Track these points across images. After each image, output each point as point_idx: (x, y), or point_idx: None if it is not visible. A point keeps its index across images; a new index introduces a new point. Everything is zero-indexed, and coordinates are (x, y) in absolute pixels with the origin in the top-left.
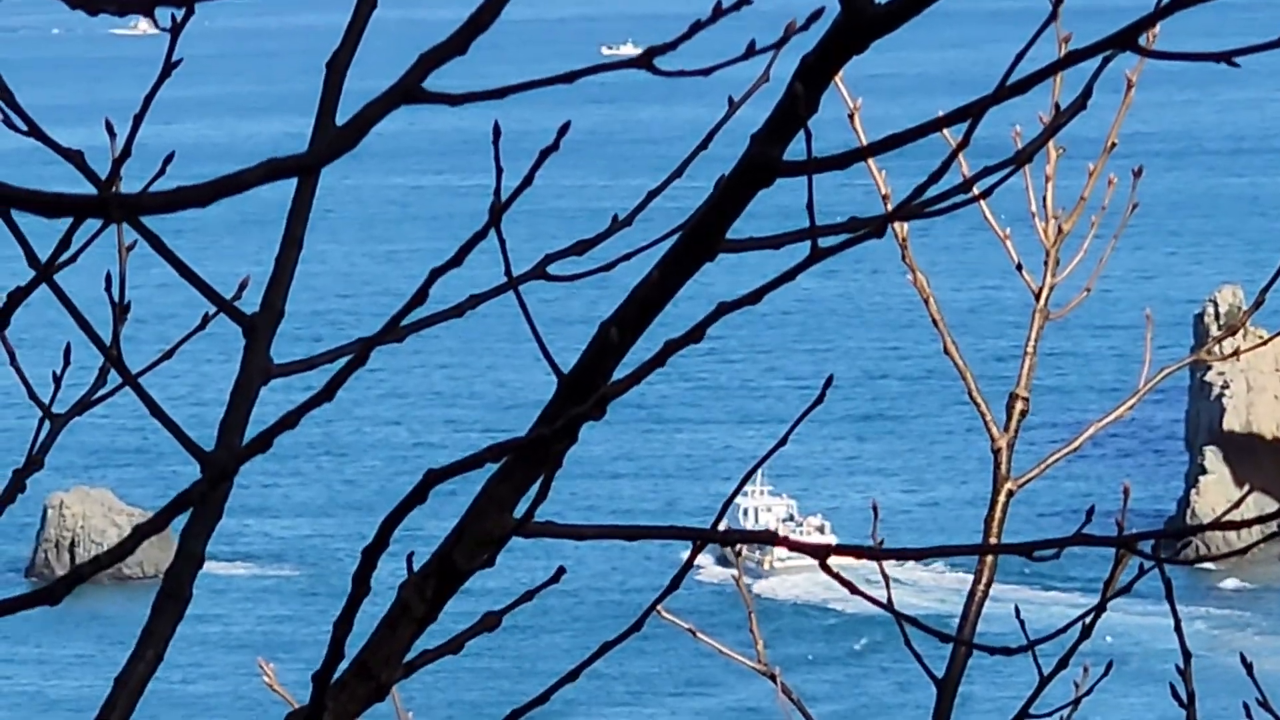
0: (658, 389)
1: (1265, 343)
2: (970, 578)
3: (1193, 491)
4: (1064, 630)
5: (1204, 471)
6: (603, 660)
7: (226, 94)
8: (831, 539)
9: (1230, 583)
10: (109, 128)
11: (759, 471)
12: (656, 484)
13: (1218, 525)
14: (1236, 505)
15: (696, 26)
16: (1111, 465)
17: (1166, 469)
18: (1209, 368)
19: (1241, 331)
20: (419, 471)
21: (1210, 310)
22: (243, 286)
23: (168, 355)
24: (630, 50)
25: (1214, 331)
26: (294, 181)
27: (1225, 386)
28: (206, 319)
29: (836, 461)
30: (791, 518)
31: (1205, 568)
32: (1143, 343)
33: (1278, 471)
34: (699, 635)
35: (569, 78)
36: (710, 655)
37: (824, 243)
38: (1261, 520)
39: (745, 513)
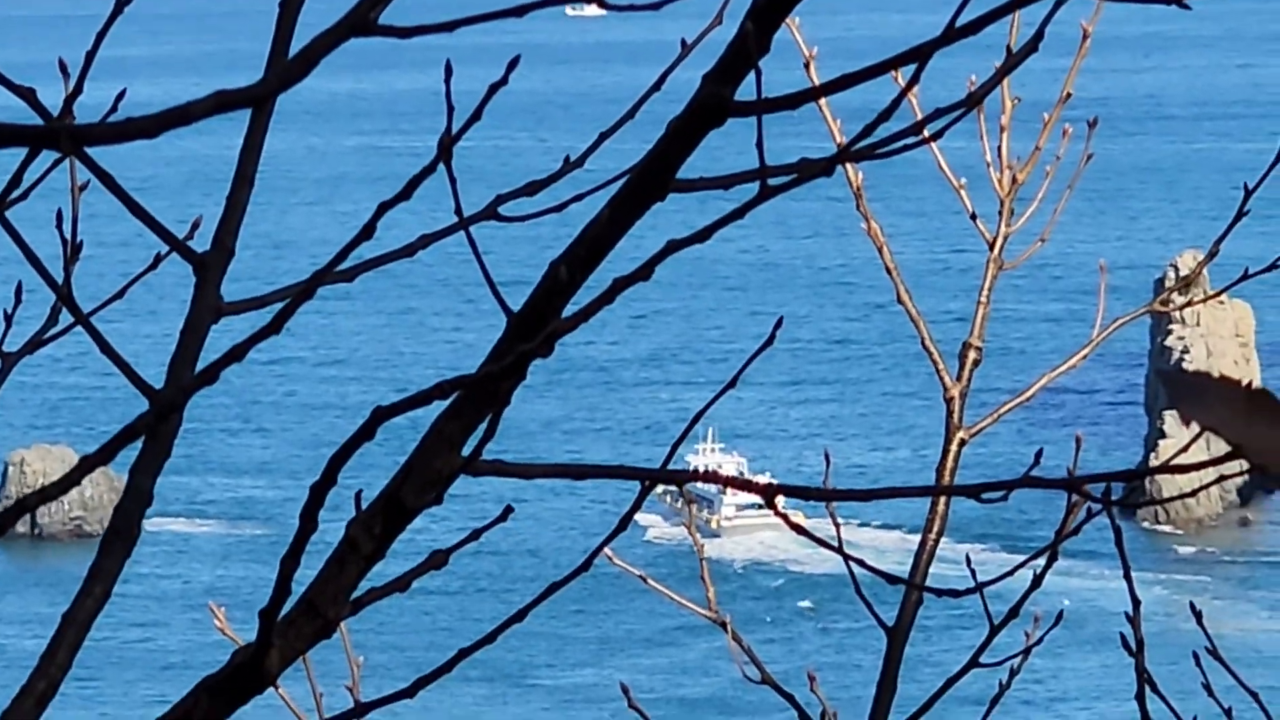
0: (615, 352)
1: (1218, 294)
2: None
3: (1152, 455)
4: (1012, 573)
5: (1163, 435)
6: (561, 621)
7: (189, 53)
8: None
9: (1189, 549)
10: (62, 67)
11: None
12: (614, 445)
13: (1166, 469)
14: (1186, 448)
15: None
16: (1072, 431)
17: (1127, 434)
18: (1169, 332)
19: (1201, 293)
20: (387, 430)
21: (1171, 275)
22: (195, 226)
23: (119, 295)
24: (594, 10)
25: (1174, 295)
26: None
27: (1185, 351)
28: (159, 258)
29: (792, 423)
30: (742, 474)
31: (1164, 532)
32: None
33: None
34: (649, 582)
35: (519, 11)
36: (665, 614)
37: (774, 184)
38: (1213, 463)
39: (693, 469)
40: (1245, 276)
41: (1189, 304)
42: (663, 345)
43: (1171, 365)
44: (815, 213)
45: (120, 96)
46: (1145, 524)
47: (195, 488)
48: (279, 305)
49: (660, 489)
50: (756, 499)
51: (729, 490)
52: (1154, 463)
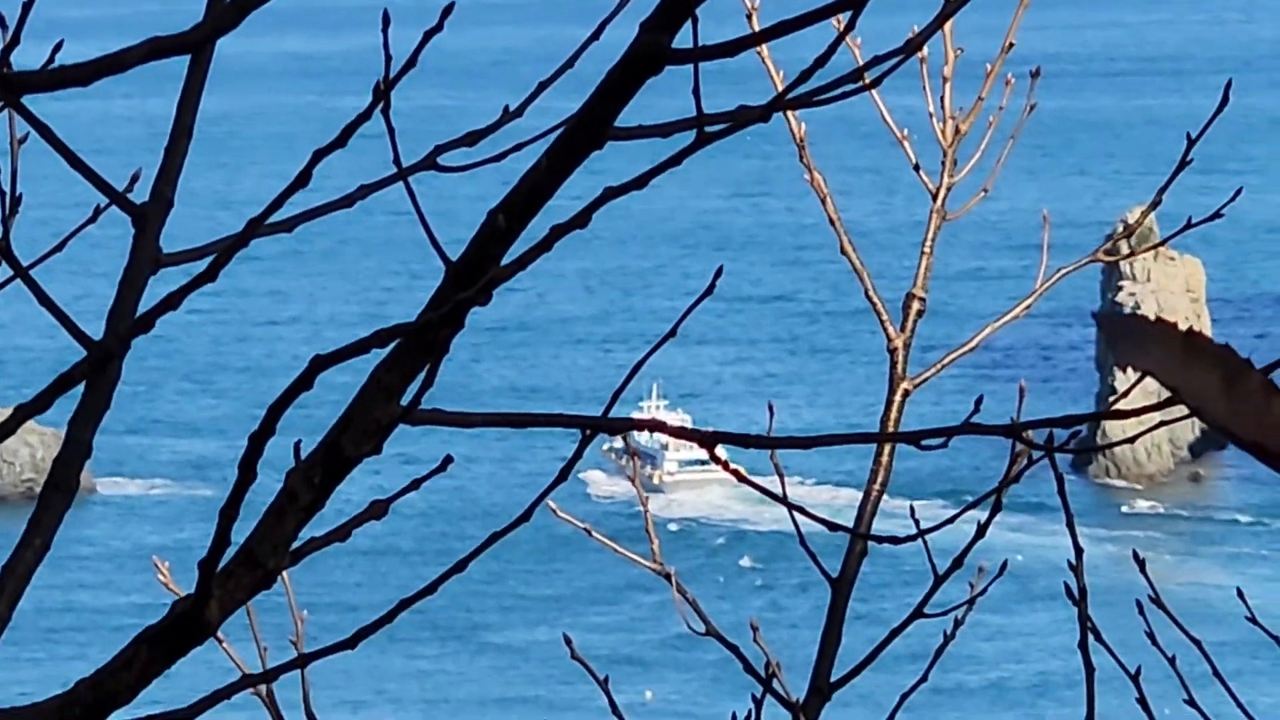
0: (564, 310)
1: (1163, 243)
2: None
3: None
4: (953, 520)
5: (1113, 392)
6: (513, 580)
7: (126, 13)
8: (722, 452)
9: (1140, 504)
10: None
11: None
12: (566, 407)
13: (1108, 415)
14: (1128, 392)
15: None
16: (1032, 388)
17: (1078, 391)
18: (1120, 289)
19: (1154, 253)
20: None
21: (1120, 230)
22: (134, 179)
23: (59, 248)
24: None
25: (1124, 250)
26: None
27: (1136, 308)
28: (98, 210)
29: (738, 380)
30: None
31: (1116, 487)
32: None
33: (1167, 358)
34: (593, 535)
35: None
36: (610, 570)
37: (711, 131)
38: (1155, 408)
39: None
40: (1188, 225)
41: (1132, 254)
42: (609, 305)
43: (1109, 310)
44: (760, 171)
45: (57, 48)
46: (1096, 479)
47: (147, 448)
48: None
49: (605, 446)
50: (701, 454)
51: (672, 446)
52: (1105, 420)
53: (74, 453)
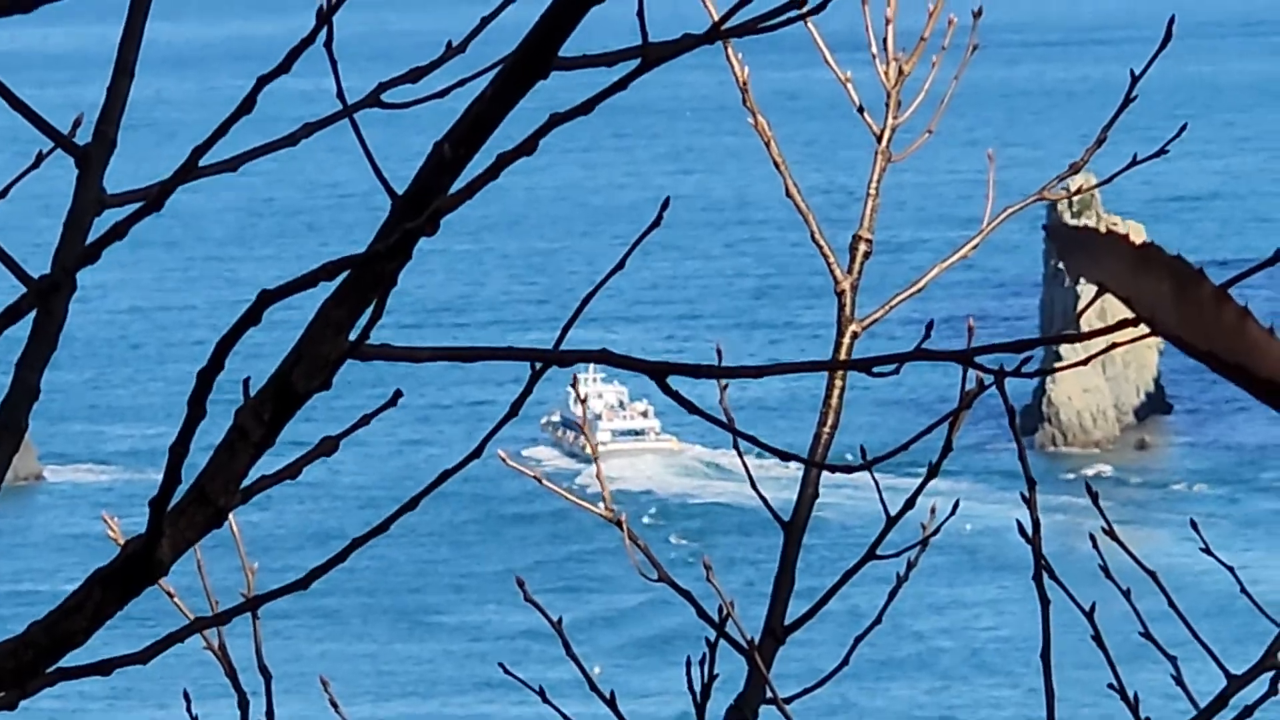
0: (511, 292)
1: (1104, 182)
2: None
3: (1048, 380)
4: (906, 447)
5: (1059, 358)
6: (465, 558)
7: None
8: (655, 423)
9: (1087, 471)
10: None
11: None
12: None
13: (1061, 338)
14: (1085, 309)
15: None
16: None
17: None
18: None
19: (1096, 218)
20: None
21: (1063, 193)
22: (76, 124)
23: (3, 194)
24: None
25: (1066, 216)
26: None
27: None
28: (41, 156)
29: (683, 355)
30: (621, 404)
31: (1062, 454)
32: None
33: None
34: (544, 482)
35: None
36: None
37: (656, 57)
38: (1108, 330)
39: (576, 399)
40: (1134, 163)
41: (1078, 191)
42: (552, 285)
43: (1059, 221)
44: (709, 149)
45: None
46: (1044, 449)
47: (94, 436)
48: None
49: (543, 419)
50: (634, 425)
51: (605, 416)
52: (1050, 388)
53: (21, 394)
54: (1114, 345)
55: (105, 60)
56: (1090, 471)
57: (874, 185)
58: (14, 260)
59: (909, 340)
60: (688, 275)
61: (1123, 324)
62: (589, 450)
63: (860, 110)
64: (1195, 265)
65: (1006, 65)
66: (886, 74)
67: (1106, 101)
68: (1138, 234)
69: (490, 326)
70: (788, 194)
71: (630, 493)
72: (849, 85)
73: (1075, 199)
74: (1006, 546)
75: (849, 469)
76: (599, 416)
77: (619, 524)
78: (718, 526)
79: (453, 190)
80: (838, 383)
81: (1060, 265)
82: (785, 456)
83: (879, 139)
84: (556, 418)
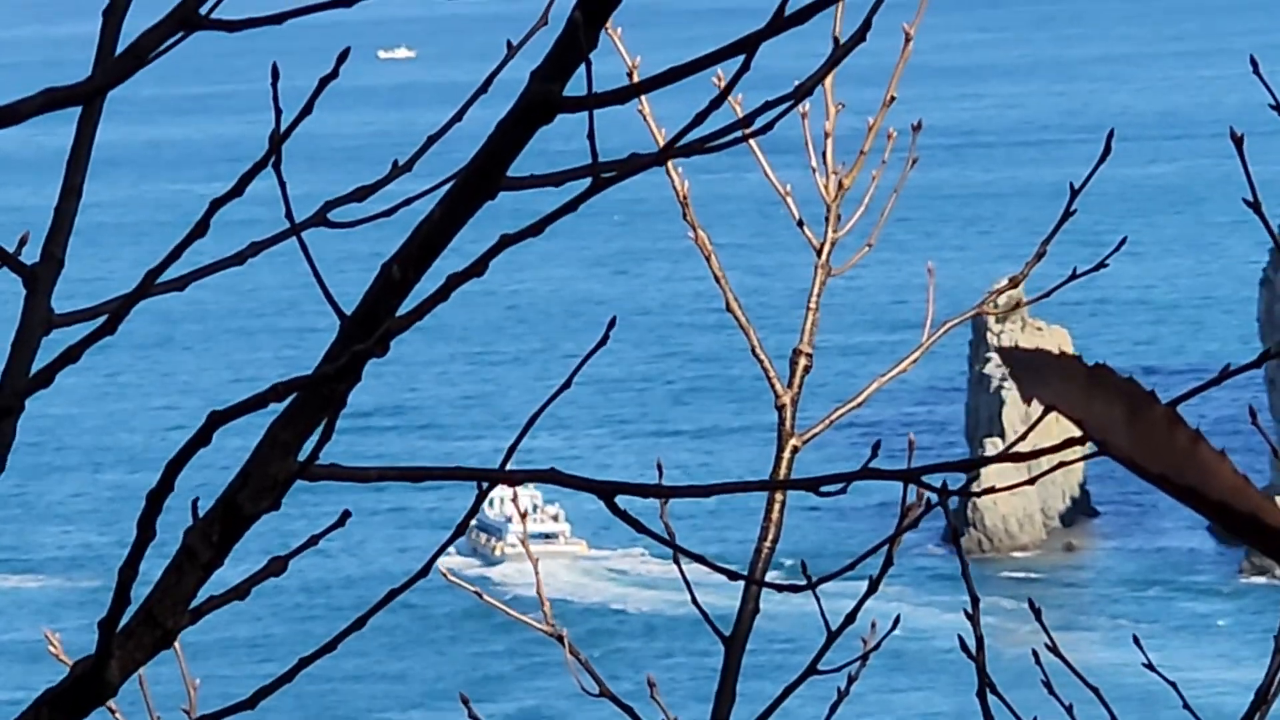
0: (435, 395)
1: (1043, 296)
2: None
3: (974, 483)
4: (852, 567)
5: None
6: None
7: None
8: (565, 527)
9: (1014, 575)
10: None
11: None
12: (447, 493)
13: (1006, 457)
14: (1033, 426)
15: None
16: (898, 460)
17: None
18: (988, 360)
19: (1020, 323)
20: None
21: (1005, 283)
22: (23, 242)
23: None
24: (405, 53)
25: (991, 323)
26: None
27: (1004, 379)
28: None
29: (607, 458)
30: (536, 507)
31: (989, 559)
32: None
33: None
34: (484, 598)
35: (348, 1)
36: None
37: (605, 177)
38: (1050, 450)
39: (490, 502)
40: (1074, 276)
41: (1018, 306)
42: (480, 388)
43: (1009, 345)
44: (627, 248)
45: None
46: (971, 555)
47: (23, 540)
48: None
49: (459, 522)
50: (544, 529)
51: (515, 520)
52: (976, 488)
53: None
54: (1061, 465)
55: (35, 161)
56: (1017, 575)
57: (814, 299)
58: None
59: (840, 445)
60: (618, 379)
61: (1069, 442)
62: (497, 551)
63: (800, 224)
64: (1147, 388)
65: (938, 167)
66: (826, 188)
67: (1034, 204)
68: (1063, 340)
69: (419, 431)
70: (728, 308)
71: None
72: (789, 199)
73: (999, 305)
74: (931, 652)
75: (794, 588)
76: (508, 519)
77: (560, 639)
78: (613, 631)
79: (401, 311)
80: (778, 498)
81: (985, 372)
82: (733, 576)
83: (819, 253)
84: (472, 521)
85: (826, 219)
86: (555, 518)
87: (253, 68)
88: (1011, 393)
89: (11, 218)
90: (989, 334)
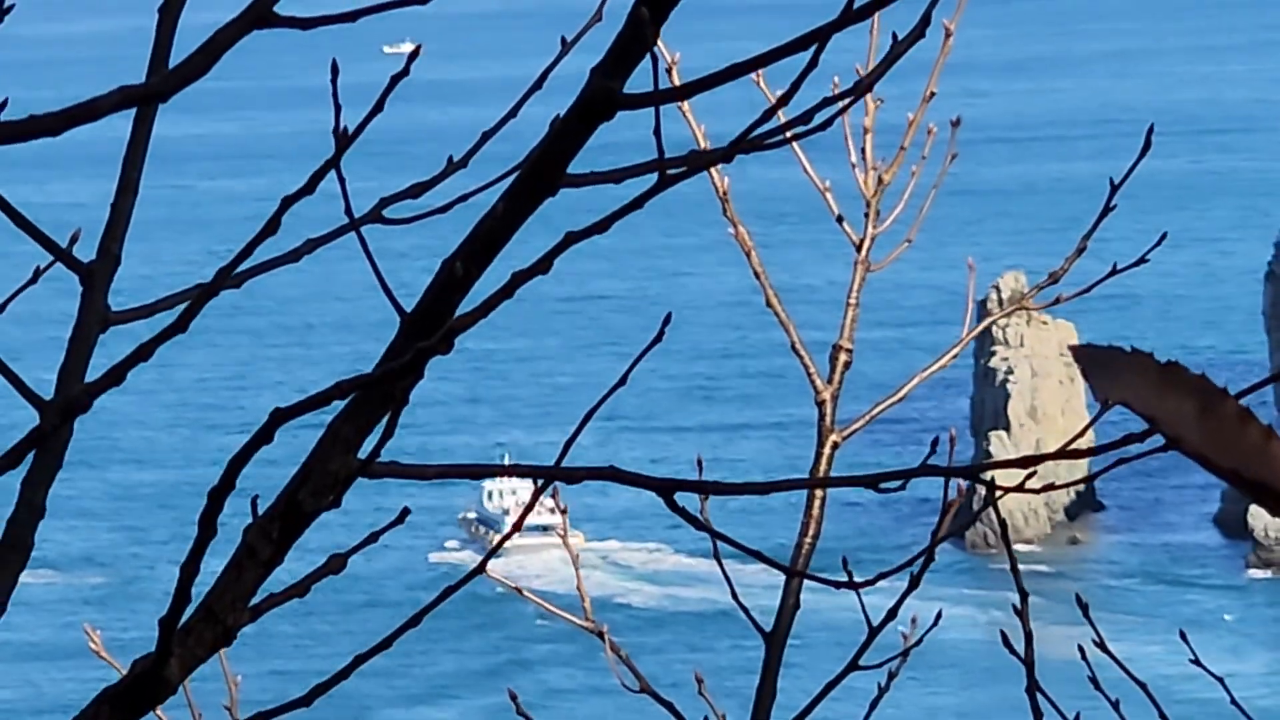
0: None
1: (1083, 291)
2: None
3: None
4: (900, 569)
5: (989, 456)
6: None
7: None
8: (560, 520)
9: (1022, 566)
10: None
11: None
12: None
13: (1069, 454)
14: (1095, 420)
15: None
16: (912, 455)
17: (956, 458)
18: (993, 354)
19: (1026, 317)
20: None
21: (994, 296)
22: (74, 240)
23: (1, 308)
24: (410, 48)
25: (996, 312)
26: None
27: (1009, 372)
28: (38, 271)
29: (625, 457)
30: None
31: (994, 554)
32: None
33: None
34: (524, 594)
35: None
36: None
37: (671, 174)
38: (1110, 447)
39: (490, 495)
40: (1114, 272)
41: (1056, 301)
42: (547, 381)
43: (1085, 344)
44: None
45: (3, 105)
46: (976, 550)
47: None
48: (168, 313)
49: (460, 515)
50: (541, 521)
51: (513, 513)
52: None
53: (28, 514)
54: (1121, 461)
55: (86, 157)
56: (1023, 568)
57: (854, 295)
58: (23, 383)
59: (856, 438)
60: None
61: (1128, 439)
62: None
63: (839, 220)
64: (1219, 385)
65: (977, 164)
66: (865, 183)
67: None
68: (1069, 334)
69: (461, 426)
70: (768, 304)
71: (539, 589)
72: (828, 195)
73: (1004, 298)
74: (948, 646)
75: (836, 584)
76: (506, 513)
77: (600, 635)
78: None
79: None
80: (818, 494)
81: (991, 366)
82: (777, 567)
83: (858, 248)
84: (472, 514)
85: (866, 216)
86: (552, 510)
87: (253, 67)
88: (1017, 386)
89: (54, 214)
90: (994, 328)
